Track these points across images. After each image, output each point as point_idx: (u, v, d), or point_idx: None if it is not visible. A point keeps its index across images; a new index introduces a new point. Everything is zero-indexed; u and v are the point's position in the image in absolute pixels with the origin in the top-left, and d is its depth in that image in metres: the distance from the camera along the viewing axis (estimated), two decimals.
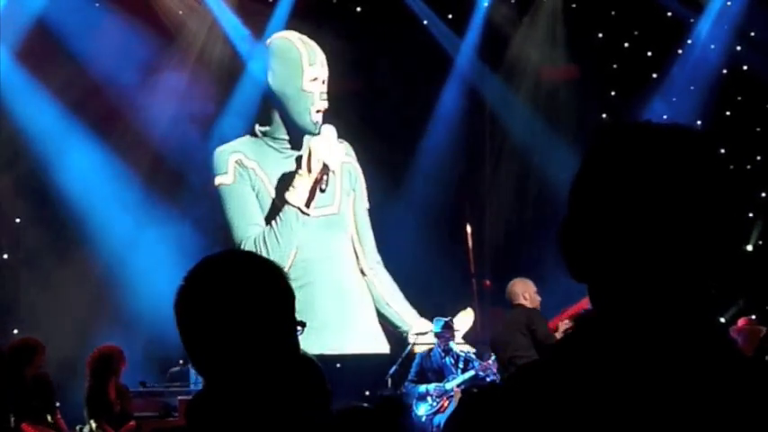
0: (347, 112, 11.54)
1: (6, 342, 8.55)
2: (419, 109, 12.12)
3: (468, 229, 12.01)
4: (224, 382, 1.83)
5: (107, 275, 10.57)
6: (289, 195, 11.15)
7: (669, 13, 12.18)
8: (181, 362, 9.92)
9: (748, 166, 11.89)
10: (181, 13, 11.44)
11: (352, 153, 11.94)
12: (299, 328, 1.92)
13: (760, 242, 12.03)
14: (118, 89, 10.74)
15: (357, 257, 11.82)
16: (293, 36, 11.54)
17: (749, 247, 11.61)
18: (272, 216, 11.25)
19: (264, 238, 11.14)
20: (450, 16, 12.28)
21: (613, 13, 12.44)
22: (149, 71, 10.98)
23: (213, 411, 1.81)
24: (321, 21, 11.57)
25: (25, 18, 10.52)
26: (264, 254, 10.76)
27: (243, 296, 1.83)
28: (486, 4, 12.27)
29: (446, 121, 12.19)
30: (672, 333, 1.28)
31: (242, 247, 10.78)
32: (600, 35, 12.48)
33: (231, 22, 11.55)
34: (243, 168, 11.33)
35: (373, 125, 11.61)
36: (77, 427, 7.84)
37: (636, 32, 12.40)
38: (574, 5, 12.46)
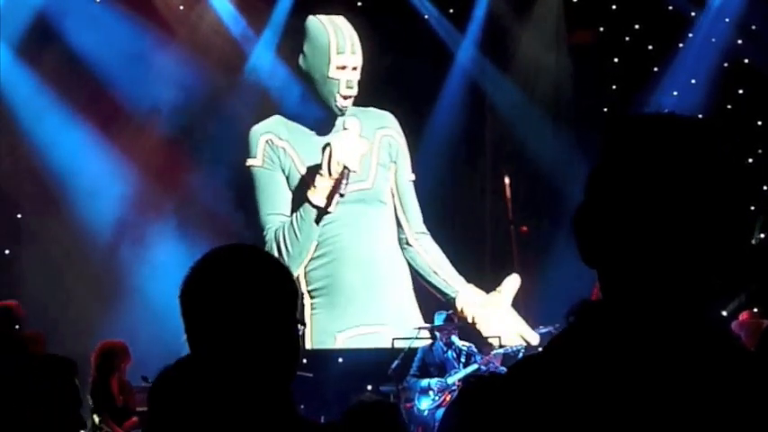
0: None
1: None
2: (420, 103, 12.11)
3: (507, 180, 11.99)
4: (224, 374, 1.84)
5: (112, 268, 10.59)
6: (310, 194, 11.08)
7: (670, 7, 12.17)
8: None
9: (750, 160, 11.90)
10: (182, 8, 11.43)
11: (395, 124, 11.90)
12: (299, 326, 1.95)
13: (762, 235, 12.03)
14: (118, 82, 10.75)
15: (401, 229, 11.76)
16: (326, 21, 11.51)
17: (752, 241, 11.61)
18: (295, 207, 11.22)
19: (285, 231, 11.09)
20: (451, 11, 12.27)
21: (614, 6, 12.43)
22: (149, 64, 10.98)
23: (214, 405, 1.83)
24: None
25: (25, 12, 10.52)
26: (283, 246, 10.92)
27: (248, 291, 1.86)
28: None
29: (447, 116, 12.18)
30: (675, 325, 1.29)
31: (264, 233, 10.90)
32: (601, 29, 12.48)
33: (231, 16, 11.55)
34: (273, 149, 11.28)
35: None
36: None
37: (637, 26, 12.39)
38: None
